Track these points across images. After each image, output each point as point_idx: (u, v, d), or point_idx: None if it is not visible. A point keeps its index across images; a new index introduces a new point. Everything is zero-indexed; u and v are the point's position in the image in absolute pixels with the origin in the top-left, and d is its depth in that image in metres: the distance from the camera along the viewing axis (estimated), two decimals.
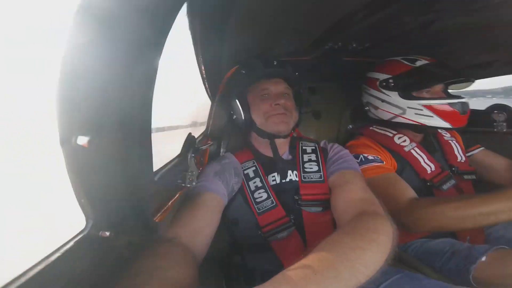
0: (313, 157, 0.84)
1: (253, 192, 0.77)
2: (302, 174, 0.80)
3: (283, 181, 0.81)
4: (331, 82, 1.34)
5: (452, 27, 0.84)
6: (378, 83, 1.06)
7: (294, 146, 0.89)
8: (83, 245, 0.30)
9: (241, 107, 0.85)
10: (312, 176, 0.80)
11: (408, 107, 1.00)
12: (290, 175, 0.81)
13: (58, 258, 0.28)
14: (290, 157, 0.87)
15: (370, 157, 0.96)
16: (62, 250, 0.28)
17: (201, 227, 0.62)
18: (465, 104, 0.97)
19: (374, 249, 0.47)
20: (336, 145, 0.92)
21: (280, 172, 0.82)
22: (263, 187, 0.78)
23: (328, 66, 1.16)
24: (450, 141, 1.10)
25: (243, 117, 0.85)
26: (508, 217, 0.70)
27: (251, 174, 0.80)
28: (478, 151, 1.13)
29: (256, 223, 0.74)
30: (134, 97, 0.33)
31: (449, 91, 1.05)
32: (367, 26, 0.82)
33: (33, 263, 0.26)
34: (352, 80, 1.32)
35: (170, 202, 0.56)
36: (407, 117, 1.01)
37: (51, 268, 0.27)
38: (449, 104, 0.95)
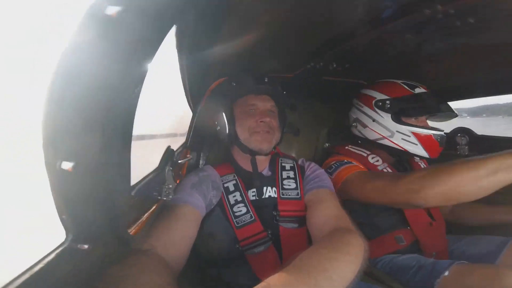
0: (291, 174, 0.87)
1: (232, 206, 0.78)
2: (281, 191, 0.82)
3: (262, 197, 0.82)
4: (310, 100, 1.39)
5: (428, 51, 0.89)
6: (374, 102, 1.08)
7: (274, 163, 0.91)
8: (63, 257, 0.33)
9: (227, 120, 0.86)
10: (290, 193, 0.82)
11: (397, 131, 1.04)
12: (269, 192, 0.83)
13: (41, 269, 0.30)
14: (269, 173, 0.89)
15: (344, 161, 1.01)
16: (44, 262, 0.31)
17: (176, 239, 0.63)
18: (444, 137, 1.03)
19: (348, 260, 0.52)
20: (313, 164, 0.95)
21: (259, 188, 0.83)
22: (242, 201, 0.79)
23: (308, 84, 1.20)
24: (419, 163, 1.17)
25: (227, 130, 0.85)
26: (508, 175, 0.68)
27: (231, 188, 0.81)
28: None
29: (234, 236, 0.75)
30: (116, 120, 0.35)
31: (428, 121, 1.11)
32: (349, 49, 0.87)
33: (17, 274, 0.29)
34: (330, 100, 1.38)
35: (146, 215, 0.58)
36: (393, 141, 1.05)
37: (34, 279, 0.29)
38: (433, 135, 1.01)
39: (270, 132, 0.85)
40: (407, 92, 1.04)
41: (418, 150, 1.03)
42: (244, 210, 0.77)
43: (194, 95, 0.92)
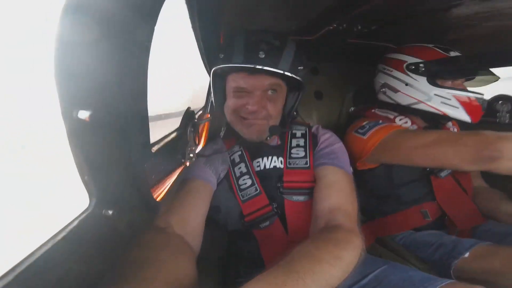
0: (301, 142, 0.80)
1: (238, 179, 0.74)
2: (288, 160, 0.76)
3: (267, 167, 0.77)
4: (334, 62, 1.30)
5: (464, 15, 0.80)
6: (405, 65, 1.00)
7: (284, 133, 0.83)
8: (87, 223, 0.31)
9: (213, 93, 0.78)
10: (297, 162, 0.76)
11: (435, 95, 0.96)
12: (275, 162, 0.77)
13: (64, 237, 0.29)
14: (279, 142, 0.83)
15: (380, 121, 0.95)
16: (67, 230, 0.29)
17: (192, 215, 0.62)
18: (486, 101, 0.97)
19: (339, 266, 0.50)
20: (329, 134, 0.84)
21: (264, 157, 0.78)
22: (247, 173, 0.75)
23: (331, 47, 1.11)
24: (451, 129, 1.09)
25: (215, 101, 0.79)
26: None
27: (237, 159, 0.77)
28: None
29: (239, 211, 0.72)
30: (131, 71, 0.32)
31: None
32: (375, 8, 0.77)
33: (41, 243, 0.27)
34: (356, 62, 1.28)
35: (171, 181, 0.57)
36: (431, 105, 0.97)
37: (57, 247, 0.28)
38: (477, 98, 0.94)
39: (264, 120, 0.74)
40: (441, 55, 0.96)
41: (459, 114, 0.95)
42: (249, 182, 0.74)
43: (210, 58, 0.84)
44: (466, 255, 0.78)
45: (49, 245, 0.27)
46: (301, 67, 0.77)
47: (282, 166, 0.77)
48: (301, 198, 0.73)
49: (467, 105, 0.94)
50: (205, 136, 0.93)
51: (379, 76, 1.10)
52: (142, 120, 0.37)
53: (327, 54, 1.21)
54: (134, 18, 0.30)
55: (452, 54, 0.96)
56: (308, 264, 0.47)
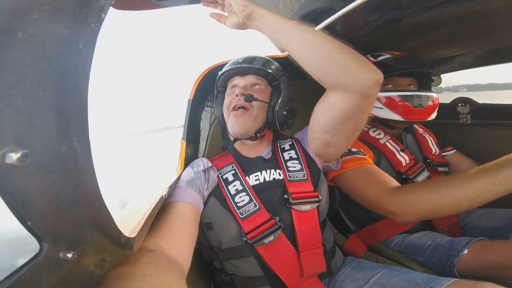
0: (292, 153, 0.81)
1: (234, 196, 0.73)
2: (287, 173, 0.77)
3: (267, 180, 0.77)
4: (304, 80, 1.34)
5: (417, 22, 0.86)
6: None
7: (274, 146, 0.86)
8: (42, 271, 0.26)
9: (216, 103, 0.87)
10: (296, 175, 0.77)
11: None
12: (274, 174, 0.78)
13: (12, 286, 0.22)
14: (270, 155, 0.84)
15: (353, 150, 0.94)
16: (14, 277, 0.23)
17: (180, 237, 0.60)
18: (419, 97, 0.94)
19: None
20: (304, 129, 0.89)
21: (262, 171, 0.78)
22: (244, 190, 0.74)
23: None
24: (424, 135, 1.14)
25: (216, 113, 0.87)
26: (499, 191, 0.63)
27: (230, 178, 0.76)
28: (451, 153, 1.15)
29: (239, 229, 0.70)
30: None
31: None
32: (335, 24, 0.82)
33: None
34: None
35: (147, 213, 0.51)
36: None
37: None
38: (400, 96, 0.94)
39: (246, 111, 0.79)
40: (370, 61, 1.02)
41: (387, 114, 0.96)
42: (246, 199, 0.72)
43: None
44: (465, 251, 0.78)
45: None
46: (279, 71, 0.86)
47: (281, 177, 0.77)
48: (308, 207, 0.74)
49: (391, 105, 0.95)
50: (182, 161, 0.90)
51: None
52: (88, 159, 0.30)
53: (297, 72, 1.25)
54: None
55: (380, 58, 1.00)
56: None
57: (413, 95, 0.94)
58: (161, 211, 0.63)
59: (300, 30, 0.62)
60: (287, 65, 1.10)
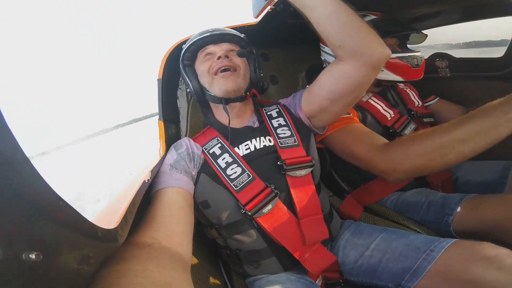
0: (281, 121, 0.80)
1: (225, 170, 0.70)
2: (278, 140, 0.75)
3: (258, 148, 0.75)
4: (282, 47, 1.30)
5: None
6: None
7: (259, 113, 0.83)
8: (4, 274, 0.22)
9: (188, 76, 0.81)
10: (287, 141, 0.75)
11: None
12: (264, 141, 0.76)
13: None
14: (257, 124, 0.81)
15: None
16: None
17: (176, 226, 0.57)
18: (416, 58, 0.97)
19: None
20: (291, 95, 0.88)
21: (251, 139, 0.76)
22: (234, 161, 0.71)
23: (275, 31, 1.10)
24: (405, 89, 1.14)
25: (192, 86, 0.80)
26: (484, 142, 0.63)
27: (218, 151, 0.73)
28: (434, 102, 1.17)
29: (236, 202, 0.68)
30: None
31: (409, 46, 1.04)
32: None
33: None
34: (302, 43, 1.28)
35: (127, 201, 0.47)
36: None
37: None
38: (398, 57, 0.95)
39: (233, 70, 0.76)
40: None
41: (386, 75, 0.98)
42: (239, 170, 0.70)
43: None
44: (458, 209, 0.79)
45: None
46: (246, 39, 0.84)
47: (272, 143, 0.76)
48: (302, 172, 0.73)
49: (391, 66, 0.96)
50: (163, 142, 0.85)
51: (321, 54, 1.12)
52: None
53: (273, 39, 1.20)
54: None
55: (367, 18, 0.97)
56: None
57: (411, 56, 0.96)
58: (151, 202, 0.60)
59: None
60: (263, 31, 1.05)
